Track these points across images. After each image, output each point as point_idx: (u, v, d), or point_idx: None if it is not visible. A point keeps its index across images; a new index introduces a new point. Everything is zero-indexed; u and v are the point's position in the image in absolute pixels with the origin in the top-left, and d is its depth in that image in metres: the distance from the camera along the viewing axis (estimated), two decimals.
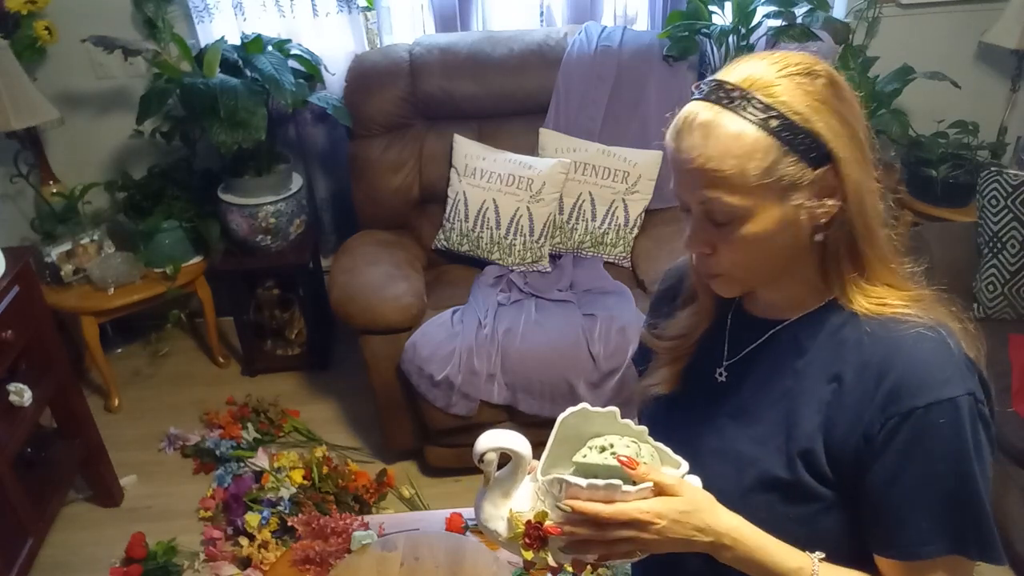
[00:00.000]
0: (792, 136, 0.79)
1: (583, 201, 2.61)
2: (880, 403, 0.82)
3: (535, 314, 2.35)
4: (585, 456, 0.87)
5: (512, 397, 2.22)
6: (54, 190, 2.74)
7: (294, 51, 2.61)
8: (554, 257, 2.67)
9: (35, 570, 2.15)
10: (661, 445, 0.89)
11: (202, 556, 2.24)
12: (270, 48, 2.52)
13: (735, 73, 0.83)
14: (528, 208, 2.55)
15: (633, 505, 0.81)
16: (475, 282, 2.54)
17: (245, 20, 2.69)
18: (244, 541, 2.20)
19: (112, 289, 2.65)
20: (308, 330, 2.98)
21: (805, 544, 0.86)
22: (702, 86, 0.84)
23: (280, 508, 2.26)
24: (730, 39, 2.52)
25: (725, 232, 0.84)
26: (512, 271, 2.57)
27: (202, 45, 2.64)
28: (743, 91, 0.80)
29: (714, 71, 0.88)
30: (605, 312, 2.29)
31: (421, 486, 2.45)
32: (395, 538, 1.67)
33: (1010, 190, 2.28)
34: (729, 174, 0.80)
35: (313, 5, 2.69)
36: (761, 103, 0.79)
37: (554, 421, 0.92)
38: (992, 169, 2.34)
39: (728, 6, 2.56)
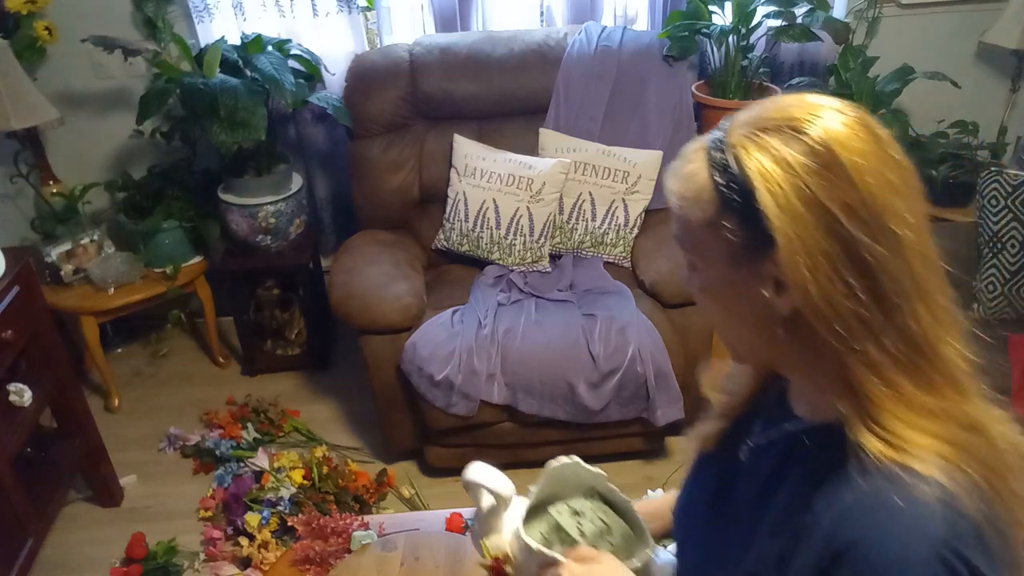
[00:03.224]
0: (735, 200, 0.69)
1: (583, 201, 2.61)
2: (821, 563, 0.67)
3: (535, 314, 2.35)
4: (560, 514, 0.96)
5: (512, 397, 2.22)
6: (54, 190, 2.74)
7: (294, 51, 2.61)
8: (554, 257, 2.67)
9: (35, 570, 2.15)
10: (642, 522, 0.94)
11: (202, 556, 2.24)
12: (270, 48, 2.52)
13: (750, 110, 0.73)
14: (528, 208, 2.55)
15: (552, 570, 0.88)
16: (475, 282, 2.54)
17: (245, 20, 2.69)
18: (244, 541, 2.19)
19: (112, 289, 2.65)
20: (308, 330, 2.98)
21: None
22: None
23: (280, 508, 2.26)
24: (730, 39, 2.52)
25: (690, 278, 0.78)
26: (512, 271, 2.57)
27: (202, 45, 2.64)
28: (723, 132, 0.72)
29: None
30: (605, 312, 2.29)
31: (421, 486, 2.45)
32: (395, 538, 1.66)
33: (1010, 190, 2.28)
34: (677, 213, 0.75)
35: (313, 5, 2.69)
36: (723, 149, 0.70)
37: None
38: (992, 169, 2.34)
39: (728, 6, 2.56)
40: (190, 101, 2.37)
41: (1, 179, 2.76)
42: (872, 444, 0.67)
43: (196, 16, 2.65)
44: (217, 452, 2.54)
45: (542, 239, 2.59)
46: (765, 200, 0.66)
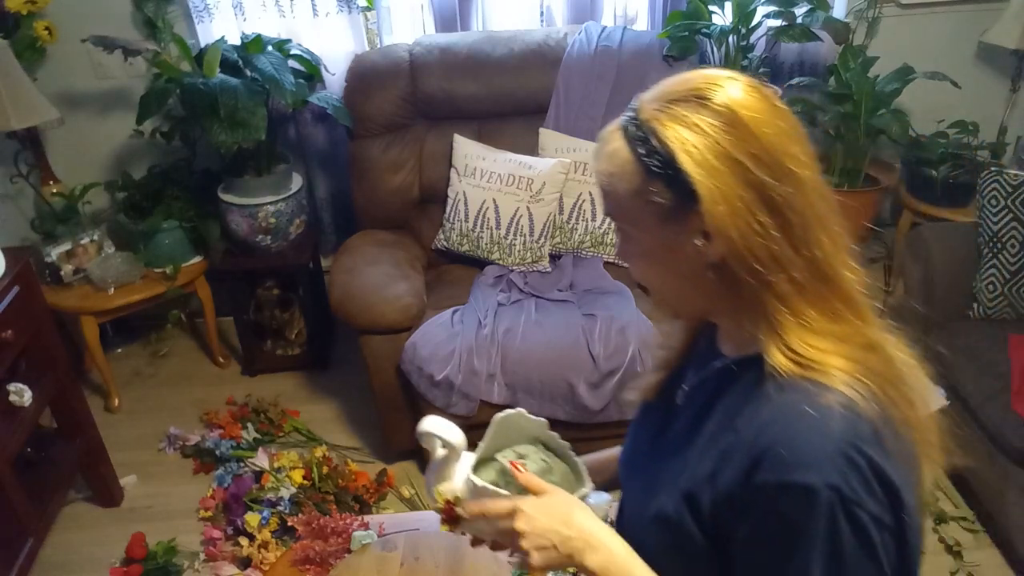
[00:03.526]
0: (656, 165, 0.77)
1: (583, 201, 2.61)
2: (744, 468, 0.76)
3: (535, 314, 2.35)
4: (505, 457, 1.04)
5: (512, 397, 2.22)
6: (54, 190, 2.73)
7: (294, 51, 2.61)
8: (554, 257, 2.67)
9: (35, 570, 2.15)
10: (581, 463, 1.03)
11: (202, 556, 2.24)
12: (270, 48, 2.52)
13: (655, 89, 0.81)
14: (528, 208, 2.55)
15: (501, 501, 0.92)
16: (475, 282, 2.54)
17: (245, 20, 2.69)
18: (244, 541, 2.20)
19: (112, 289, 2.65)
20: (308, 330, 2.98)
21: None
22: None
23: (280, 508, 2.26)
24: (730, 39, 2.53)
25: (626, 248, 0.88)
26: (512, 271, 2.57)
27: (202, 45, 2.64)
28: (634, 111, 0.81)
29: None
30: (605, 312, 2.29)
31: (421, 486, 2.44)
32: (395, 538, 1.66)
33: (1010, 190, 2.28)
34: (607, 190, 0.83)
35: (313, 5, 2.69)
36: (638, 125, 0.79)
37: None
38: (992, 169, 2.34)
39: (728, 6, 2.56)
40: (190, 101, 2.37)
41: (1, 179, 2.76)
42: (785, 365, 0.77)
43: (196, 16, 2.65)
44: (217, 452, 2.54)
45: (542, 239, 2.59)
46: (685, 161, 0.75)
